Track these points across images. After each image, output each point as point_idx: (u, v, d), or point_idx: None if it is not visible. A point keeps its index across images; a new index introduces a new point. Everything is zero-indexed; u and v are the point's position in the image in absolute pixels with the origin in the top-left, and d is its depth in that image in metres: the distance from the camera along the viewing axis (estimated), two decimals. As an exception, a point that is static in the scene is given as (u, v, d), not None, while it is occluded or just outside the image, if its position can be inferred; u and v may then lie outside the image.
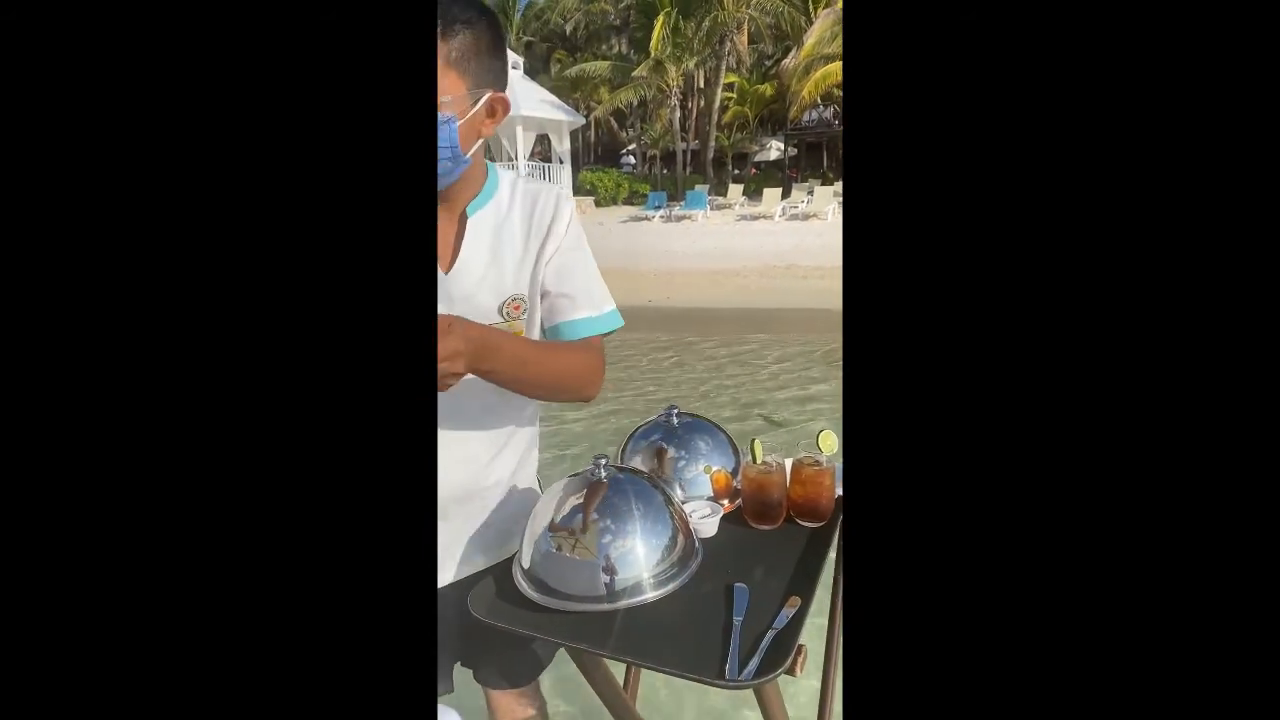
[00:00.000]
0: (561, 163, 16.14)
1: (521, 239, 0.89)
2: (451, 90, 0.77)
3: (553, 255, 0.89)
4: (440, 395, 0.68)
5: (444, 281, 0.86)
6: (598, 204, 16.74)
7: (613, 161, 23.54)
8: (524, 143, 15.16)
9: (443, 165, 0.80)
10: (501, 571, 0.87)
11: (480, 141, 0.83)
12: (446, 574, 0.94)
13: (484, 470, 0.94)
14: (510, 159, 15.20)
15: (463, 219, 0.87)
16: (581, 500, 0.81)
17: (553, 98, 15.79)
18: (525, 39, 21.00)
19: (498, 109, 0.82)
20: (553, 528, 0.81)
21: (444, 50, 0.76)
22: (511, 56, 15.80)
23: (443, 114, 0.77)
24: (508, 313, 0.89)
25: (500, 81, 0.83)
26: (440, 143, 0.78)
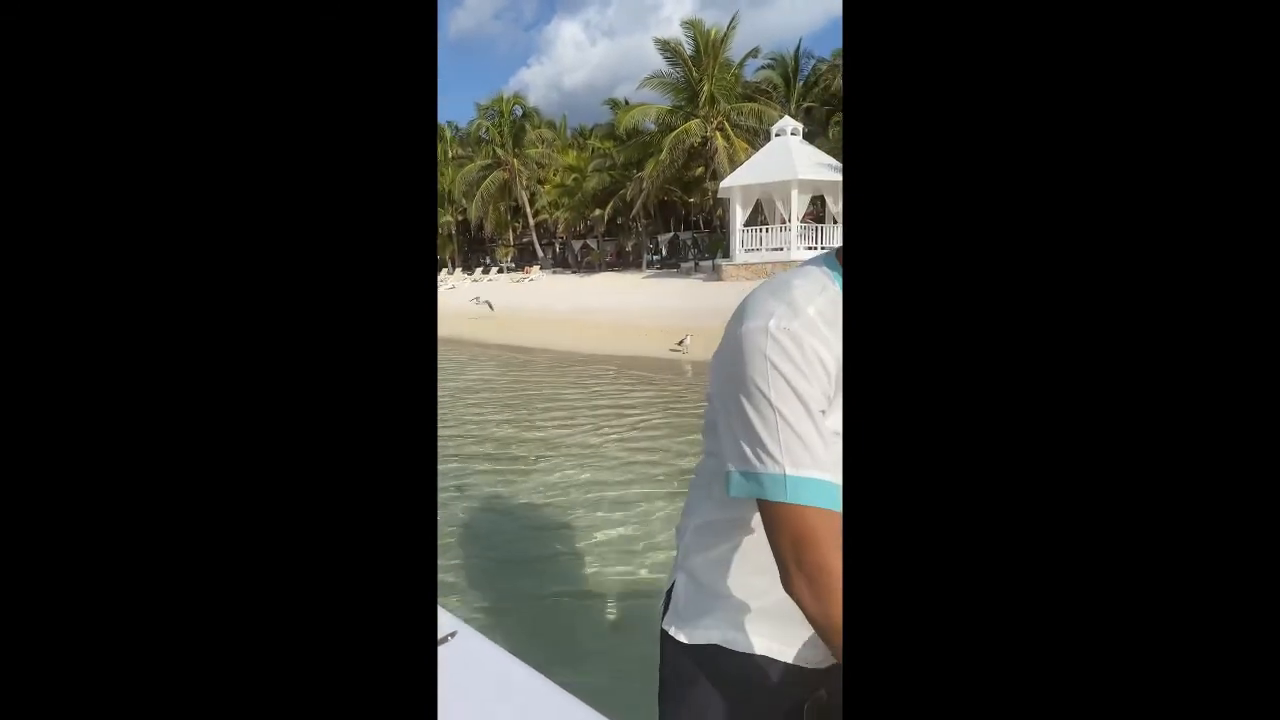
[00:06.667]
0: (835, 222, 15.99)
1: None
2: None
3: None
4: None
5: None
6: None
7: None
8: (798, 205, 15.35)
9: None
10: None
11: None
12: None
13: None
14: (784, 221, 15.47)
15: None
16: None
17: (830, 159, 15.80)
18: (806, 105, 21.45)
19: None
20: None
21: None
22: (791, 123, 16.30)
23: None
24: None
25: None
26: None
